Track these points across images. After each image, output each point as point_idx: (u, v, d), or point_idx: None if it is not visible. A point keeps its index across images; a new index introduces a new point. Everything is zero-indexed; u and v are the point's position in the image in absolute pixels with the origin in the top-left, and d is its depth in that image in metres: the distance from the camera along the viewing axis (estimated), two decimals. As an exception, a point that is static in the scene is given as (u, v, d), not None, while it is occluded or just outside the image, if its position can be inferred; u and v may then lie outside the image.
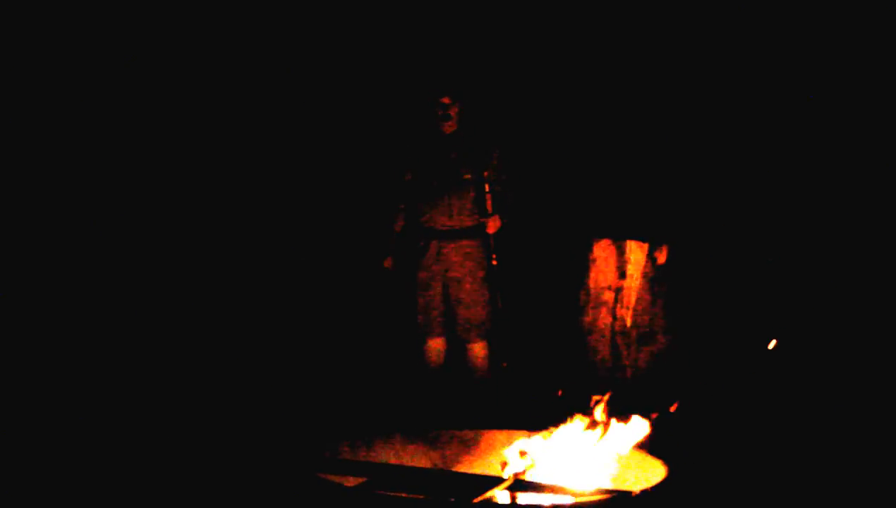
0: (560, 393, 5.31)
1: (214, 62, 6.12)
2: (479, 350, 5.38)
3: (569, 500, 3.24)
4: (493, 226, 5.28)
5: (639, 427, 3.56)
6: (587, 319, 5.22)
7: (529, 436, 3.64)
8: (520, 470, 3.48)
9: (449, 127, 5.32)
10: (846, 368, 4.93)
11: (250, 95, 6.21)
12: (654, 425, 3.58)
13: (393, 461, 3.75)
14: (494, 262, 5.32)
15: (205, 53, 6.08)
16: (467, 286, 5.30)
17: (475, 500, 3.20)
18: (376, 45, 6.21)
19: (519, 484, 3.37)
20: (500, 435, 3.86)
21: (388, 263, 5.44)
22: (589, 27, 6.02)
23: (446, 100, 5.28)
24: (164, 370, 5.56)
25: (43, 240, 5.70)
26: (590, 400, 3.67)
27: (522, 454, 3.59)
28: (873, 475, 4.06)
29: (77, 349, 5.53)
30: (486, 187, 5.26)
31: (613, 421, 3.59)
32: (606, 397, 3.63)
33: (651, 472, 3.45)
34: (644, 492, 3.21)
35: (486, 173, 5.26)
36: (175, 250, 6.06)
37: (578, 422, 3.62)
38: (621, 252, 5.16)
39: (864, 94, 5.39)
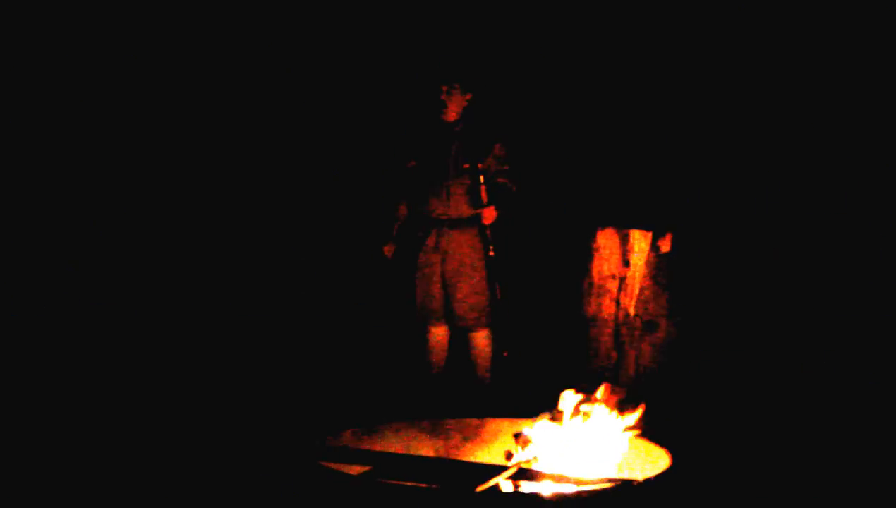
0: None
1: (218, 51, 6.11)
2: (481, 338, 5.38)
3: (572, 488, 3.24)
4: (488, 217, 5.26)
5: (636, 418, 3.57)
6: (590, 308, 5.22)
7: (532, 424, 3.64)
8: (523, 459, 3.48)
9: (447, 115, 5.31)
10: (850, 359, 4.92)
11: (252, 82, 6.20)
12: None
13: (396, 449, 3.76)
14: (492, 253, 5.30)
15: (209, 41, 6.07)
16: (465, 275, 5.29)
17: (478, 488, 3.20)
18: (382, 33, 6.20)
19: (522, 473, 3.37)
20: (504, 423, 3.87)
21: (387, 250, 5.44)
22: (593, 18, 6.00)
23: (444, 88, 5.27)
24: (166, 361, 5.56)
25: (42, 239, 5.70)
26: (593, 388, 3.67)
27: (526, 442, 3.60)
28: (874, 466, 4.06)
29: (79, 346, 5.53)
30: (481, 178, 5.24)
31: (616, 409, 3.59)
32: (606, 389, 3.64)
33: (655, 461, 3.45)
34: (647, 481, 3.21)
35: (480, 165, 5.24)
36: (175, 240, 6.06)
37: (582, 410, 3.62)
38: (625, 240, 5.15)
39: (865, 87, 5.37)
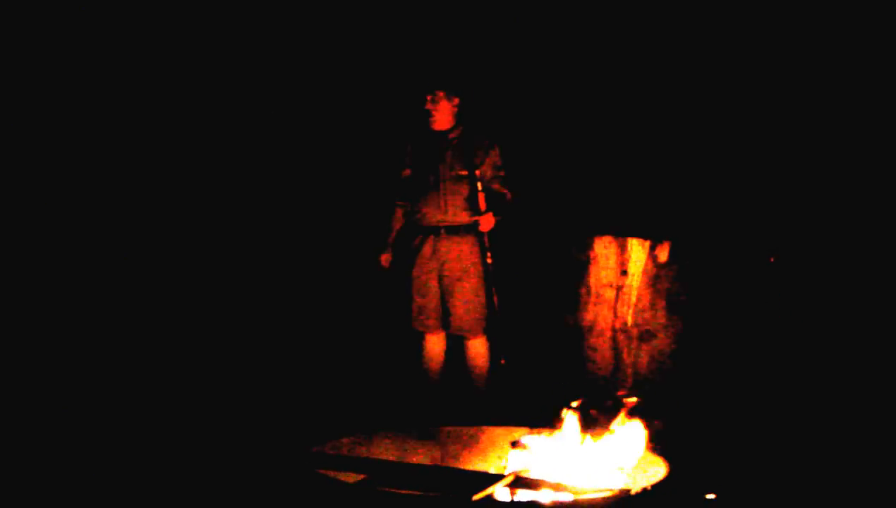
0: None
1: (212, 60, 6.12)
2: (478, 346, 5.36)
3: (568, 497, 3.24)
4: (486, 224, 5.25)
5: (639, 429, 3.57)
6: (588, 317, 5.22)
7: (530, 433, 3.64)
8: (520, 467, 3.48)
9: (435, 123, 5.30)
10: (847, 367, 4.92)
11: (247, 90, 6.21)
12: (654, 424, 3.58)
13: (393, 457, 3.75)
14: (490, 260, 5.30)
15: (202, 51, 6.08)
16: (462, 283, 5.28)
17: (475, 497, 3.20)
18: (376, 41, 6.21)
19: (519, 481, 3.36)
20: (500, 432, 3.86)
21: (384, 259, 5.44)
22: (591, 22, 6.01)
23: (428, 97, 5.26)
24: (162, 368, 5.56)
25: (42, 239, 5.70)
26: (591, 397, 3.67)
27: (523, 450, 3.59)
28: (873, 474, 4.06)
29: (76, 349, 5.52)
30: (479, 186, 5.24)
31: (615, 419, 3.59)
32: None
33: (652, 470, 3.45)
34: (644, 490, 3.21)
35: (477, 172, 5.24)
36: (173, 247, 6.06)
37: (579, 419, 3.61)
38: (623, 249, 5.15)
39: (864, 92, 5.38)
